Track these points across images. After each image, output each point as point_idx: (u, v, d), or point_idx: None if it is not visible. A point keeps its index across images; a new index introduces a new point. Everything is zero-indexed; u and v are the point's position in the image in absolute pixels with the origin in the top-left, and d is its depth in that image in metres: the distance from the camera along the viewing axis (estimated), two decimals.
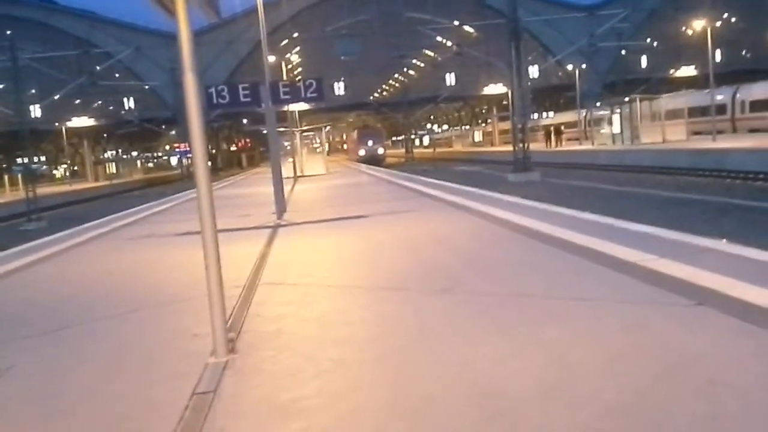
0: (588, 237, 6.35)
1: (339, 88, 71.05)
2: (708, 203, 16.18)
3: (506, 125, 54.83)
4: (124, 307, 5.41)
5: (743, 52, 72.47)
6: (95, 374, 3.78)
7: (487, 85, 63.80)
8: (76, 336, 4.70)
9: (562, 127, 52.94)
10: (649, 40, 67.34)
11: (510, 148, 33.94)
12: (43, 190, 37.57)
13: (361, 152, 58.34)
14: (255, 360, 3.73)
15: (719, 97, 36.00)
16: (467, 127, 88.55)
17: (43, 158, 73.90)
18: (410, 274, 5.84)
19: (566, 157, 36.38)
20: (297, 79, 32.95)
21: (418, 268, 6.11)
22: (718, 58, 55.52)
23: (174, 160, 71.76)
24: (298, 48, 60.01)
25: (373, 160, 52.90)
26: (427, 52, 67.19)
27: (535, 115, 63.93)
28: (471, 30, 63.58)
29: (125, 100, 69.66)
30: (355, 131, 68.54)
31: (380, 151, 60.51)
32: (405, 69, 67.91)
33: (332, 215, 11.32)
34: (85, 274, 7.44)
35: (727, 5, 69.60)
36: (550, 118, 65.39)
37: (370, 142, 60.37)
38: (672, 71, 62.24)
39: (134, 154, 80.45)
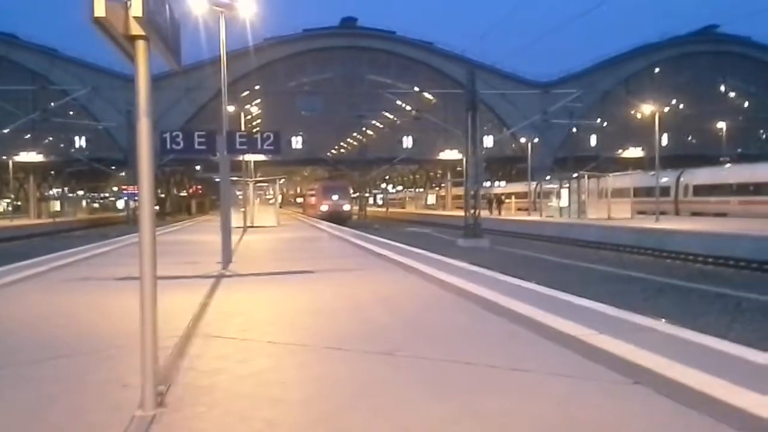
0: (531, 307, 6.40)
1: (297, 142, 71.63)
2: (648, 281, 16.55)
3: (459, 191, 55.64)
4: (53, 353, 5.19)
5: (689, 138, 76.16)
6: (10, 425, 3.58)
7: (442, 151, 65.11)
8: None
9: (513, 197, 54.22)
10: (599, 119, 70.22)
11: (461, 213, 34.40)
12: None
13: (324, 207, 50.94)
14: (184, 416, 3.59)
15: (664, 180, 37.35)
16: (421, 189, 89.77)
17: None
18: (351, 334, 5.78)
19: (514, 226, 36.99)
20: (255, 130, 33.07)
21: (360, 328, 6.05)
22: (664, 141, 58.02)
23: (121, 203, 70.34)
24: (258, 100, 60.15)
25: (336, 217, 45.70)
26: (387, 114, 68.40)
27: (488, 183, 65.26)
28: (430, 96, 65.19)
29: (76, 138, 68.77)
30: (319, 183, 61.23)
31: (346, 207, 53.08)
32: (364, 129, 68.82)
33: (278, 269, 11.19)
34: (14, 316, 7.12)
35: (676, 92, 73.53)
36: (501, 187, 66.87)
37: (335, 197, 52.45)
38: (620, 151, 64.62)
39: (81, 193, 78.63)
